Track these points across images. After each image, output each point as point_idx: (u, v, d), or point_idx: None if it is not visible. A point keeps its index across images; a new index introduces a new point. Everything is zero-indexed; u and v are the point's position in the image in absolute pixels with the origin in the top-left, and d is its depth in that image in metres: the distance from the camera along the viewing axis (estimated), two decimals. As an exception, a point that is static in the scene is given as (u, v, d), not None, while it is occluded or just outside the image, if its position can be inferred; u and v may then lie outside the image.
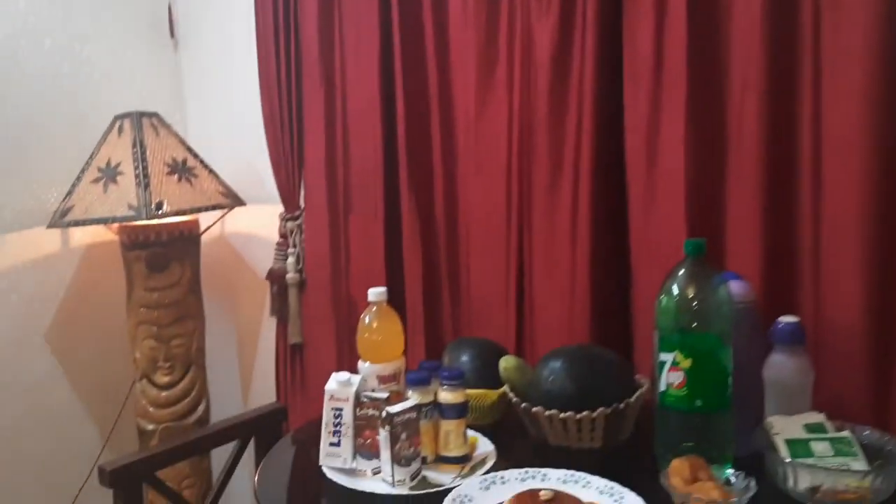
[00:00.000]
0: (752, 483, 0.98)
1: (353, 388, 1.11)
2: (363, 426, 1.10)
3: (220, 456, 1.47)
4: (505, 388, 1.28)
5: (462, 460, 1.13)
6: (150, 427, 1.98)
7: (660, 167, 1.39)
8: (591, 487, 1.04)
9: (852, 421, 1.11)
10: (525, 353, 1.60)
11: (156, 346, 1.96)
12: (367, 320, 1.18)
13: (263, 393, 2.17)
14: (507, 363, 1.27)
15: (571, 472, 1.08)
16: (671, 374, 1.07)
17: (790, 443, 1.06)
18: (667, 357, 1.08)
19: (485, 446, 1.19)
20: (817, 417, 1.10)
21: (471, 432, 1.22)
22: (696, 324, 1.07)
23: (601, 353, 1.25)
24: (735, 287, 1.13)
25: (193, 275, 2.01)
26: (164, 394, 1.98)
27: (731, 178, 1.34)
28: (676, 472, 1.00)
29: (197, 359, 2.03)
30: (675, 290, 1.08)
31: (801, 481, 1.00)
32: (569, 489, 1.04)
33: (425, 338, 1.70)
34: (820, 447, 1.05)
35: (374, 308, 1.18)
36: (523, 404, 1.22)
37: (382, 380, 1.15)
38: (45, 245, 2.06)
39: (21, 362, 2.01)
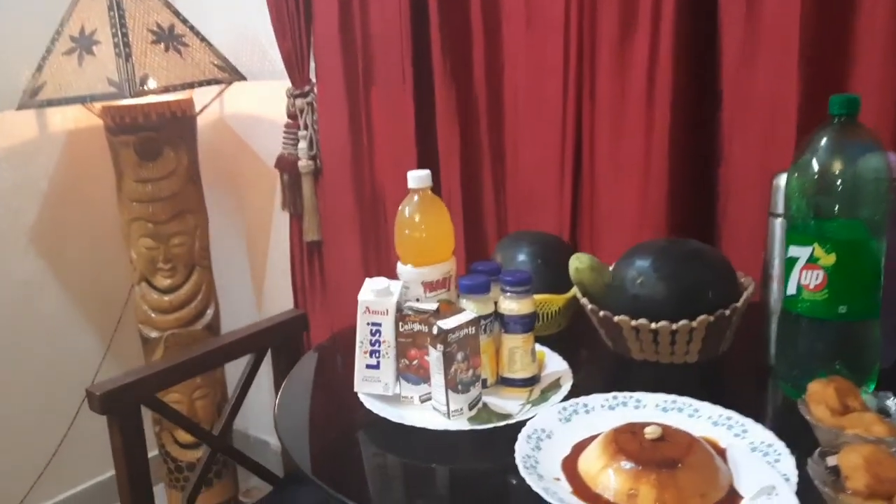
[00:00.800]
0: (920, 412, 0.75)
1: (394, 298, 0.88)
2: (407, 345, 0.88)
3: (234, 363, 1.29)
4: (574, 291, 1.05)
5: (530, 382, 0.92)
6: (154, 335, 1.79)
7: (766, 5, 1.10)
8: (702, 417, 0.83)
9: None
10: (583, 250, 1.37)
11: (153, 245, 1.74)
12: (407, 213, 0.93)
13: (278, 298, 1.96)
14: (580, 262, 1.03)
15: (673, 397, 0.86)
16: (806, 272, 0.83)
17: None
18: (800, 252, 0.84)
19: (555, 364, 0.97)
20: None
21: (537, 347, 1.00)
22: (841, 208, 0.82)
23: (698, 248, 1.01)
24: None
25: (191, 163, 1.77)
26: (166, 298, 1.78)
27: (862, 19, 1.06)
28: (820, 400, 0.77)
29: (201, 259, 1.81)
30: (815, 163, 0.82)
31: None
32: (671, 419, 0.82)
33: (465, 234, 1.47)
34: None
35: (417, 197, 0.93)
36: (602, 312, 0.99)
37: (429, 287, 0.92)
38: (20, 131, 1.81)
39: (3, 266, 1.80)
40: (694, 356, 0.98)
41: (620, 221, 1.31)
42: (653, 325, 0.95)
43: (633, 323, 0.96)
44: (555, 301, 1.07)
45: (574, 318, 1.10)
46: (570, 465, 0.76)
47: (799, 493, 0.67)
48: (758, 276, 1.00)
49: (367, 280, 0.90)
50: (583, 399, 0.87)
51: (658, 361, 0.99)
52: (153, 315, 1.78)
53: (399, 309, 0.88)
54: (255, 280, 2.06)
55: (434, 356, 0.84)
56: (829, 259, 0.82)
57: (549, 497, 0.68)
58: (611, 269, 1.04)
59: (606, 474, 0.72)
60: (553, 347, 1.01)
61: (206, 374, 1.80)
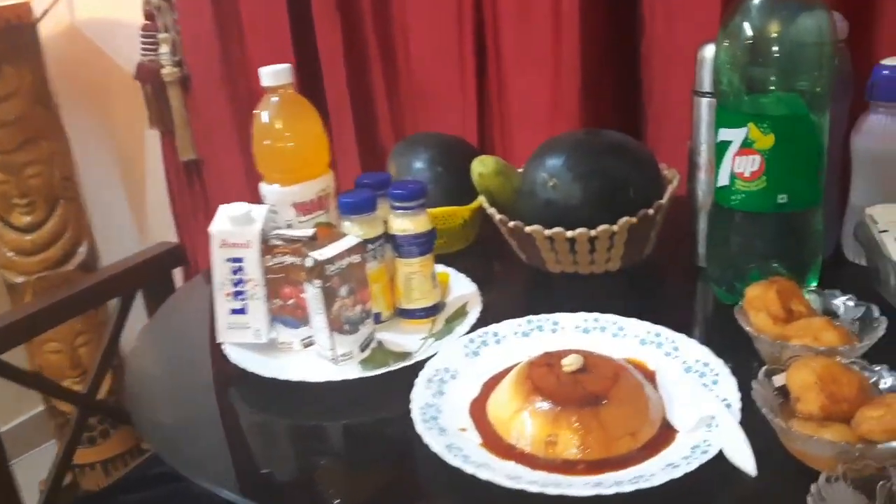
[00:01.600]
0: (875, 311, 0.66)
1: (257, 227, 0.73)
2: (279, 281, 0.73)
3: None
4: (481, 200, 0.92)
5: (432, 312, 0.79)
6: (19, 280, 1.58)
7: None
8: (628, 336, 0.72)
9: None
10: (494, 151, 1.23)
11: (3, 178, 1.51)
12: (266, 119, 0.76)
13: (159, 228, 1.76)
14: (483, 166, 0.89)
15: (595, 315, 0.74)
16: (740, 159, 0.72)
17: (903, 243, 0.74)
18: (733, 135, 0.72)
19: (462, 287, 0.84)
20: (933, 203, 0.78)
21: (440, 268, 0.87)
22: (778, 79, 0.70)
23: (616, 140, 0.88)
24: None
25: (37, 80, 1.52)
26: (28, 237, 1.56)
27: None
28: (760, 305, 0.67)
29: (64, 191, 1.59)
30: (747, 27, 0.69)
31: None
32: (594, 341, 0.71)
33: (358, 144, 1.30)
34: (944, 245, 0.73)
35: (277, 99, 0.76)
36: (512, 222, 0.86)
37: (302, 209, 0.76)
38: None
39: None
40: (616, 263, 0.87)
41: (534, 116, 1.17)
42: (569, 234, 0.82)
43: (547, 232, 0.83)
44: (459, 213, 0.93)
45: (484, 231, 0.97)
46: (478, 410, 0.64)
47: (742, 422, 0.57)
48: (684, 167, 0.88)
49: (222, 207, 0.74)
50: (493, 327, 0.74)
51: (578, 272, 0.88)
52: (15, 257, 1.57)
53: (265, 239, 0.73)
54: (134, 210, 1.84)
55: (311, 293, 0.70)
56: (767, 141, 0.70)
57: (451, 457, 0.56)
58: (521, 171, 0.91)
59: (520, 419, 0.61)
60: (460, 267, 0.88)
61: (87, 319, 1.62)
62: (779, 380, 0.59)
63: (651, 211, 0.84)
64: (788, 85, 0.70)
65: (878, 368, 0.58)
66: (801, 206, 0.72)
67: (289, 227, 0.77)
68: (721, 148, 0.73)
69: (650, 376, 0.66)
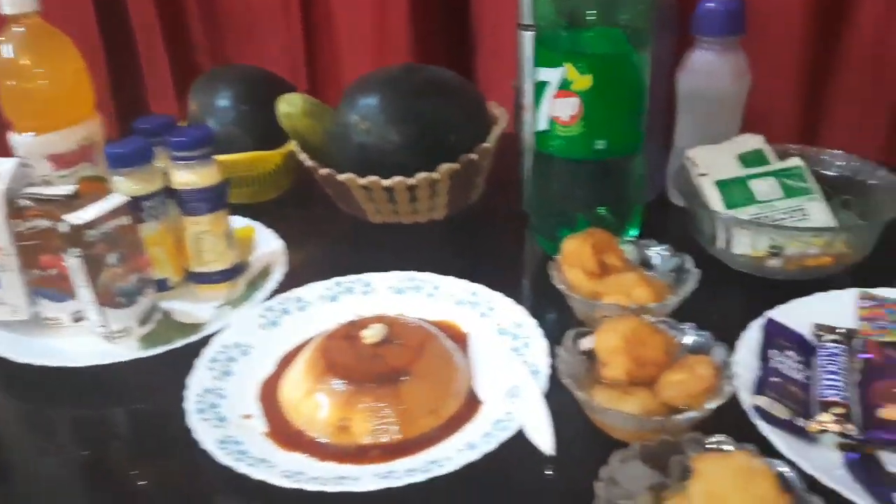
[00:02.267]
0: (688, 263, 0.64)
1: (1, 186, 0.61)
2: (35, 249, 0.62)
3: None
4: (292, 145, 0.83)
5: (230, 275, 0.70)
6: None
7: None
8: (443, 296, 0.67)
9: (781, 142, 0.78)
10: (321, 86, 1.13)
11: None
12: (8, 53, 0.63)
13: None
14: (290, 106, 0.79)
15: (410, 274, 0.69)
16: (558, 102, 0.66)
17: (723, 186, 0.72)
18: (551, 75, 0.66)
19: (267, 243, 0.76)
20: (754, 142, 0.77)
21: (242, 221, 0.78)
22: (599, 12, 0.64)
23: (436, 77, 0.81)
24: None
25: None
26: None
27: None
28: (574, 261, 0.63)
29: None
30: (563, -46, 0.63)
31: (741, 244, 0.68)
32: (408, 303, 0.66)
33: (174, 80, 1.16)
34: (763, 187, 0.72)
35: (21, 30, 0.63)
36: (324, 170, 0.78)
37: (60, 161, 0.65)
38: None
39: None
40: (442, 211, 0.81)
41: (362, 48, 1.08)
42: (385, 183, 0.75)
43: (362, 181, 0.76)
44: (269, 159, 0.84)
45: (302, 177, 0.88)
46: (270, 392, 0.58)
47: (552, 392, 0.53)
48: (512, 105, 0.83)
49: (-46, 162, 0.61)
50: (296, 291, 0.67)
51: (401, 222, 0.81)
52: None
53: (12, 200, 0.61)
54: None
55: (71, 264, 0.60)
56: (585, 82, 0.65)
57: (222, 454, 0.49)
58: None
59: (311, 402, 0.54)
60: (270, 219, 0.80)
61: None
62: (587, 343, 0.56)
63: (475, 156, 0.78)
64: (609, 19, 0.65)
65: (683, 326, 0.55)
66: (619, 152, 0.68)
67: (47, 183, 0.65)
68: (539, 89, 0.68)
69: (462, 340, 0.62)
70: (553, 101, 0.66)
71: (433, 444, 0.51)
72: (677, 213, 0.81)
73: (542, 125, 0.69)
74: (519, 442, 0.50)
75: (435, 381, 0.55)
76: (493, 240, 0.81)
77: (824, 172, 0.75)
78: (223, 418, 0.54)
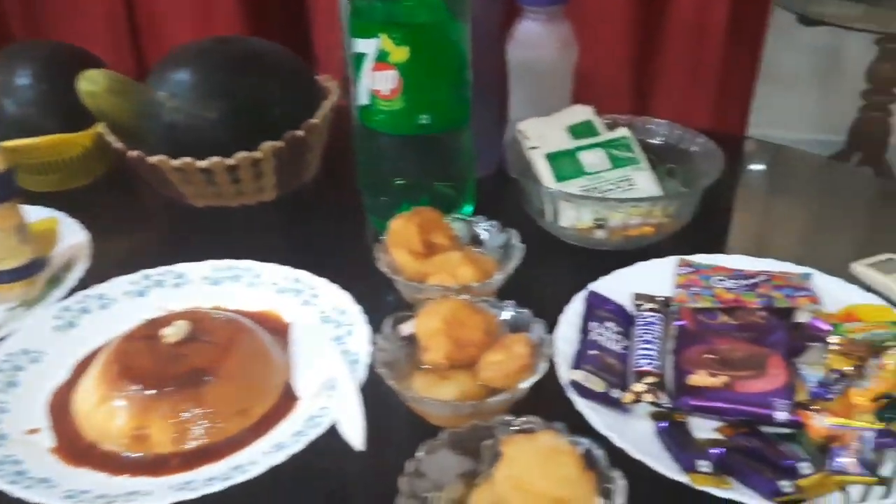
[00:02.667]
0: (515, 238, 0.63)
1: None
2: None
3: None
4: (100, 126, 0.76)
5: (25, 273, 0.64)
6: None
7: None
8: (265, 284, 0.63)
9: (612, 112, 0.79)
10: (142, 61, 1.05)
11: None
12: None
13: None
14: (93, 83, 0.72)
15: (227, 263, 0.64)
16: (377, 75, 0.64)
17: (553, 159, 0.72)
18: (367, 46, 0.63)
19: (71, 235, 0.69)
20: (584, 113, 0.77)
21: (44, 211, 0.71)
22: (412, -19, 0.61)
23: (250, 48, 0.76)
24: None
25: None
26: None
27: None
28: (400, 241, 0.61)
29: None
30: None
31: (567, 217, 0.68)
32: (226, 294, 0.62)
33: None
34: (592, 158, 0.72)
35: None
36: (132, 152, 0.72)
37: None
38: None
39: None
40: (271, 192, 0.77)
41: (191, 21, 1.01)
42: (201, 164, 0.70)
43: (175, 163, 0.70)
44: (75, 142, 0.77)
45: (117, 161, 0.81)
46: (61, 402, 0.52)
47: (372, 383, 0.51)
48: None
49: None
50: (98, 288, 0.61)
51: (226, 206, 0.76)
52: None
53: None
54: None
55: None
56: (402, 53, 0.62)
57: (-8, 480, 0.44)
58: (147, 87, 0.76)
59: (105, 411, 0.49)
60: (79, 207, 0.73)
61: None
62: (408, 328, 0.54)
63: (301, 132, 0.74)
64: (424, -12, 0.62)
65: (503, 305, 0.54)
66: (445, 126, 0.66)
67: None
68: (357, 61, 0.64)
69: (283, 331, 0.58)
70: (371, 75, 0.63)
71: (241, 448, 0.48)
72: (515, 187, 0.80)
73: (364, 99, 0.65)
74: (332, 438, 0.47)
75: (245, 379, 0.52)
76: (327, 222, 0.77)
77: (650, 141, 0.76)
78: (3, 436, 0.48)
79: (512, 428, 0.44)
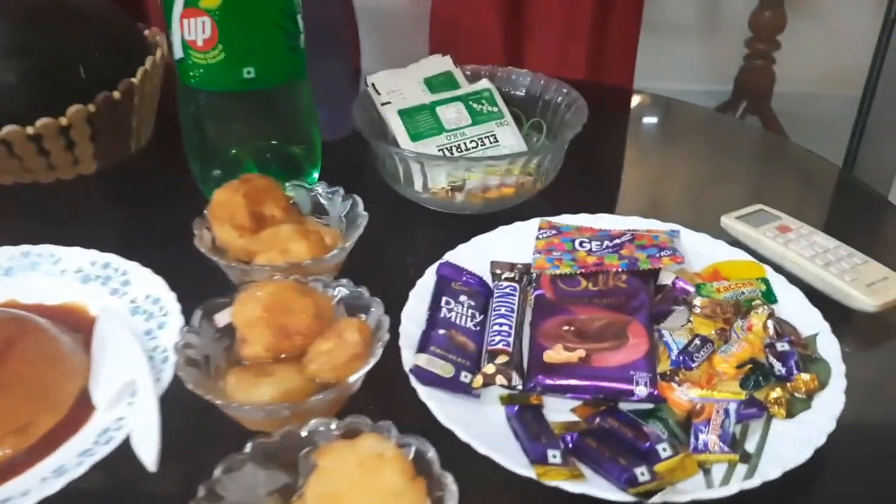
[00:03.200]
0: (359, 206, 0.56)
1: None
2: None
3: None
4: None
5: None
6: None
7: None
8: (67, 273, 0.54)
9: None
10: None
11: None
12: None
13: None
14: None
15: (23, 249, 0.55)
16: (188, 23, 0.55)
17: (407, 115, 0.65)
18: (174, -11, 0.54)
19: None
20: (442, 64, 0.71)
21: None
22: None
23: (59, -5, 0.66)
24: None
25: None
26: None
27: None
28: (224, 215, 0.53)
29: None
30: None
31: (420, 179, 0.61)
32: (20, 286, 0.53)
33: None
34: (451, 114, 0.66)
35: None
36: None
37: None
38: None
39: None
40: (90, 165, 0.67)
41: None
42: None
43: (-39, 134, 0.60)
44: None
45: None
46: None
47: (180, 386, 0.43)
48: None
49: None
50: None
51: (38, 182, 0.66)
52: None
53: None
54: None
55: None
56: (214, -2, 0.54)
57: None
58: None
59: None
60: None
61: None
62: (224, 318, 0.46)
63: (117, 94, 0.64)
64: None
65: (337, 284, 0.48)
66: (275, 80, 0.58)
67: None
68: (167, 7, 0.55)
69: (88, 327, 0.50)
70: (182, 22, 0.55)
71: (16, 474, 0.40)
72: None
73: (178, 52, 0.57)
74: (125, 457, 0.40)
75: (25, 389, 0.43)
76: (156, 197, 0.68)
77: (515, 93, 0.70)
78: None
79: (333, 432, 0.38)
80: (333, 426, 0.38)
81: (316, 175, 0.65)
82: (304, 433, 0.38)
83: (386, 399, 0.45)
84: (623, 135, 0.82)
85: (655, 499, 0.37)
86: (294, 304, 0.45)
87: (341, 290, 0.47)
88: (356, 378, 0.42)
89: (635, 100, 0.93)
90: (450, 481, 0.35)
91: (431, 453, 0.36)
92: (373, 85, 0.67)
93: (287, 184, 0.58)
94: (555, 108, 0.68)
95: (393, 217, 0.64)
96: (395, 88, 0.67)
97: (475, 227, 0.58)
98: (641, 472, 0.38)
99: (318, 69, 0.64)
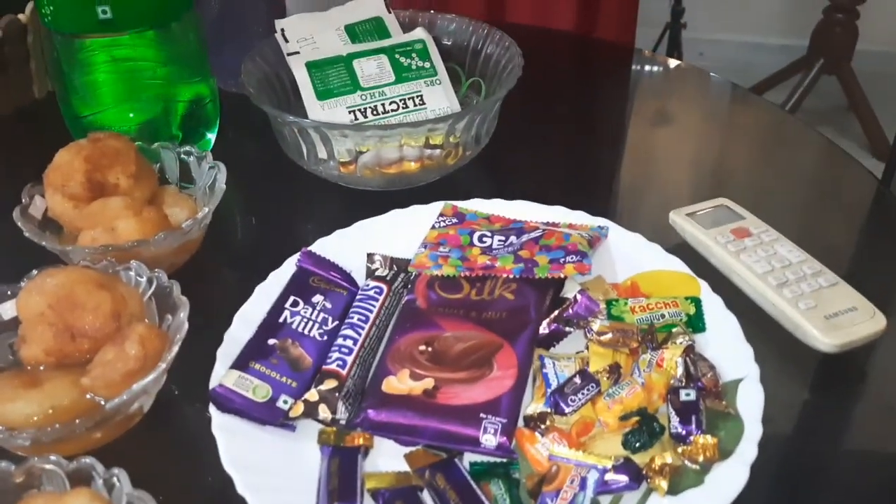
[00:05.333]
0: (221, 175, 0.48)
1: None
2: None
3: None
4: None
5: None
6: None
7: None
8: None
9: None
10: None
11: None
12: None
13: None
14: None
15: None
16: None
17: (315, 70, 0.56)
18: None
19: None
20: (373, 8, 0.61)
21: None
22: None
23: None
24: None
25: None
26: None
27: None
28: (58, 183, 0.47)
29: None
30: None
31: (315, 149, 0.53)
32: None
33: None
34: (371, 68, 0.57)
35: None
36: None
37: None
38: None
39: None
40: (-24, 111, 0.62)
41: None
42: None
43: None
44: None
45: None
46: None
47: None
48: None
49: None
50: None
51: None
52: None
53: None
54: None
55: None
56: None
57: None
58: None
59: None
60: None
61: None
62: (9, 310, 0.40)
63: (-6, 32, 0.58)
64: None
65: (154, 275, 0.41)
66: (137, 21, 0.50)
67: None
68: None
69: None
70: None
71: None
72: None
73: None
74: None
75: None
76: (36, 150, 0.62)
77: (457, 45, 0.61)
78: None
79: (56, 472, 0.31)
80: (60, 467, 0.31)
81: (211, 137, 0.58)
82: (18, 476, 0.31)
83: (184, 430, 0.38)
84: (590, 99, 0.70)
85: None
86: (86, 300, 0.38)
87: (157, 283, 0.40)
88: (113, 406, 0.35)
89: (631, 57, 0.80)
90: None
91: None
92: (282, 31, 0.58)
93: (155, 144, 0.51)
94: (494, 64, 0.58)
95: (290, 192, 0.56)
96: (308, 36, 0.59)
97: (375, 208, 0.50)
98: (443, 561, 0.30)
99: (231, 7, 0.56)
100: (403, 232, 0.48)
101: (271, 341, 0.40)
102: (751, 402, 0.36)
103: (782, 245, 0.45)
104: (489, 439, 0.35)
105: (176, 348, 0.37)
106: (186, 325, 0.38)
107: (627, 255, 0.46)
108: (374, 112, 0.55)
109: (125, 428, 0.37)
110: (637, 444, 0.35)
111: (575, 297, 0.41)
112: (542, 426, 0.36)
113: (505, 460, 0.36)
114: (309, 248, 0.46)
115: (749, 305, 0.44)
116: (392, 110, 0.56)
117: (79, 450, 0.35)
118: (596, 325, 0.40)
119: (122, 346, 0.36)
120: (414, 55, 0.58)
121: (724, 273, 0.45)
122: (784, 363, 0.40)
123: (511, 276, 0.43)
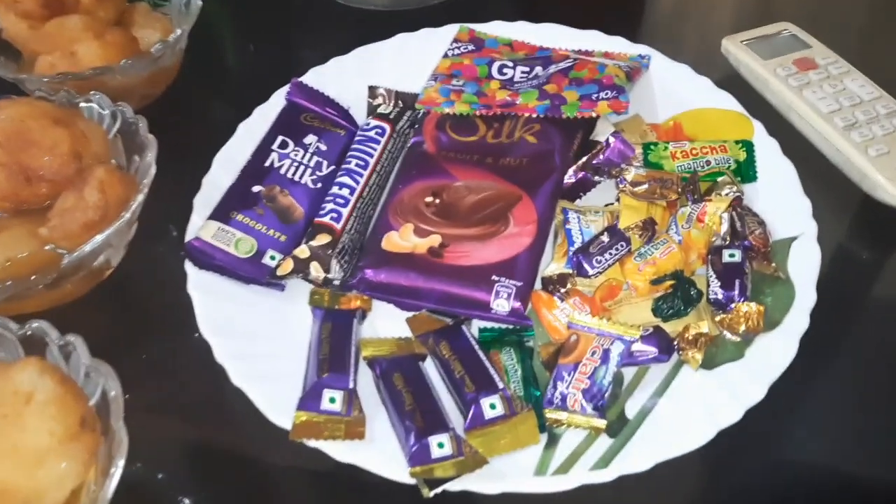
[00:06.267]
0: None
1: None
2: None
3: None
4: None
5: None
6: None
7: None
8: None
9: None
10: None
11: None
12: None
13: None
14: None
15: None
16: None
17: None
18: None
19: None
20: None
21: None
22: None
23: None
24: None
25: None
26: None
27: None
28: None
29: None
30: None
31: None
32: None
33: None
34: None
35: None
36: None
37: None
38: None
39: None
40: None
41: None
42: None
43: None
44: None
45: None
46: None
47: None
48: None
49: None
50: None
51: None
52: None
53: None
54: None
55: None
56: None
57: None
58: None
59: None
60: None
61: None
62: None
63: None
64: None
65: (117, 108, 0.36)
66: None
67: None
68: None
69: None
70: None
71: None
72: None
73: None
74: None
75: None
76: None
77: None
78: None
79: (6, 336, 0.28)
80: (10, 331, 0.28)
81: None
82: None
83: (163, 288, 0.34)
84: None
85: (437, 490, 0.26)
86: (41, 137, 0.34)
87: (121, 115, 0.35)
88: (70, 261, 0.31)
89: None
90: (123, 433, 0.25)
91: (114, 393, 0.26)
92: None
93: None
94: None
95: (281, 13, 0.49)
96: None
97: (381, 32, 0.43)
98: (440, 443, 0.27)
99: None
100: (411, 61, 0.42)
101: (256, 188, 0.35)
102: (805, 265, 0.32)
103: (853, 79, 0.39)
104: (501, 304, 0.31)
105: (142, 195, 0.32)
106: (154, 168, 0.33)
107: (671, 89, 0.39)
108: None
109: (93, 283, 0.34)
110: (669, 312, 0.31)
111: (607, 140, 0.36)
112: (562, 290, 0.32)
113: (518, 327, 0.32)
114: (300, 79, 0.40)
115: (810, 151, 0.38)
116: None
117: (41, 307, 0.32)
118: (630, 173, 0.35)
119: (82, 193, 0.32)
120: None
121: (783, 112, 0.39)
122: (847, 220, 0.35)
123: (534, 116, 0.37)
